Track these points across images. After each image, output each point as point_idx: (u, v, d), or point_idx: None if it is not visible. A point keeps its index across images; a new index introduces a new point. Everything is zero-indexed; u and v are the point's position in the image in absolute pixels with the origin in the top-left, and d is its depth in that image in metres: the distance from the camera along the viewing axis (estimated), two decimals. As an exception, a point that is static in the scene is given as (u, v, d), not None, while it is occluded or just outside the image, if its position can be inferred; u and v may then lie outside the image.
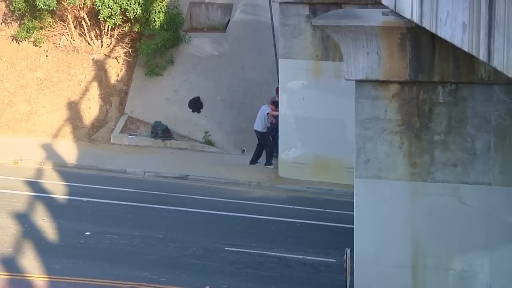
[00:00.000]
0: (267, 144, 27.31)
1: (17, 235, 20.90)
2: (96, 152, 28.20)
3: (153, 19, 29.97)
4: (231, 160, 27.65)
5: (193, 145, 28.80)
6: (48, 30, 31.20)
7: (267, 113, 26.98)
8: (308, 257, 20.11)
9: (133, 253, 20.16)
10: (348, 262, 15.46)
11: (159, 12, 30.06)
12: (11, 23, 31.69)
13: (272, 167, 26.90)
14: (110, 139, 29.27)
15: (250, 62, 30.14)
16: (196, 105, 29.59)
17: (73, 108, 30.02)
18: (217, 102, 29.33)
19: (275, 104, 26.92)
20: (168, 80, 30.34)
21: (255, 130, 27.30)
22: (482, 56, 11.03)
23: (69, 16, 30.58)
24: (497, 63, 10.54)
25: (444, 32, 12.50)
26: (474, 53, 11.36)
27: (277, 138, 26.72)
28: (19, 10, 30.90)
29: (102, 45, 31.00)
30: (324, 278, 19.00)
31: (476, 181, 15.07)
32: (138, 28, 30.36)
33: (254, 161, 27.31)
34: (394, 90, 15.32)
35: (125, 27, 30.46)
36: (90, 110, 30.03)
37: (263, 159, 27.36)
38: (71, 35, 31.03)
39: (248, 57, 30.27)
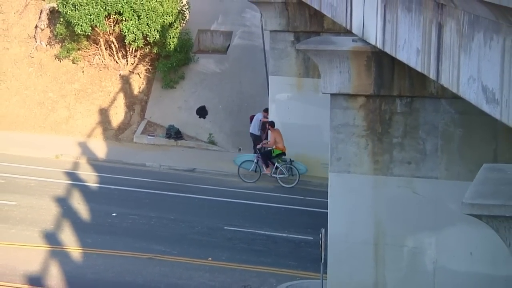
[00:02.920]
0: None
1: (57, 215, 20.88)
2: (121, 149, 28.18)
3: (169, 43, 29.95)
4: (230, 156, 27.62)
5: (199, 144, 28.76)
6: (84, 51, 31.16)
7: (260, 120, 26.89)
8: (291, 235, 20.09)
9: (150, 230, 20.14)
10: (323, 239, 15.46)
11: (173, 37, 30.04)
12: (54, 45, 31.65)
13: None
14: (133, 139, 29.24)
15: (246, 78, 30.13)
16: (202, 112, 29.57)
17: (103, 114, 29.98)
18: (219, 110, 29.32)
19: (267, 111, 26.86)
20: (180, 92, 30.32)
21: (250, 133, 27.24)
22: (432, 75, 11.02)
23: (101, 40, 30.55)
24: (444, 81, 10.54)
25: (402, 56, 12.50)
26: (425, 73, 11.36)
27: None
28: (61, 34, 30.87)
29: (127, 64, 30.96)
30: (303, 252, 18.99)
31: (426, 176, 15.07)
32: (156, 50, 30.35)
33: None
34: (361, 102, 15.31)
35: (146, 49, 30.45)
36: (117, 115, 29.99)
37: None
38: (102, 55, 30.99)
39: (244, 74, 30.26)
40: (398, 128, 15.15)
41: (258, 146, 25.97)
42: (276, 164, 25.36)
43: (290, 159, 25.39)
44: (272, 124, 25.49)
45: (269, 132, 25.82)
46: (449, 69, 10.29)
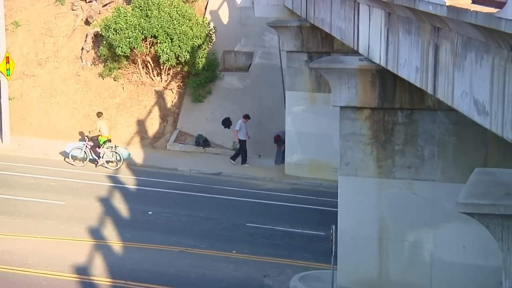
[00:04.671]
0: (242, 149, 27.18)
1: (101, 213, 20.96)
2: (156, 156, 28.25)
3: (198, 62, 30.03)
4: (251, 162, 27.62)
5: (225, 151, 28.75)
6: (124, 70, 31.30)
7: (237, 130, 27.03)
8: (305, 231, 20.06)
9: (181, 227, 20.17)
10: (334, 235, 15.43)
11: (202, 57, 30.12)
12: (98, 64, 31.82)
13: (247, 165, 26.83)
14: (166, 146, 29.30)
15: (265, 93, 30.15)
16: (227, 123, 29.57)
17: (141, 125, 30.09)
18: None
19: (245, 116, 27.24)
20: (208, 105, 30.38)
21: (239, 139, 27.30)
22: (429, 90, 11.01)
23: (139, 60, 30.68)
24: (440, 95, 10.52)
25: (403, 73, 12.49)
26: (423, 88, 11.34)
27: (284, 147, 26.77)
28: (104, 55, 31.04)
29: (161, 80, 31.07)
30: (316, 246, 18.96)
31: (424, 178, 15.04)
32: (187, 69, 30.43)
33: (244, 161, 27.13)
34: (367, 114, 15.30)
35: (178, 68, 30.54)
36: (153, 126, 30.09)
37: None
38: (140, 73, 31.12)
39: (264, 89, 30.27)
40: (399, 136, 15.12)
41: (86, 134, 27.15)
42: (102, 149, 26.33)
43: (115, 145, 26.66)
44: (98, 114, 27.18)
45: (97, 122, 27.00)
46: (445, 85, 10.27)
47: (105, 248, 18.26)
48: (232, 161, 27.12)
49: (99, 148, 26.37)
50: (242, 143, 27.23)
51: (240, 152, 27.21)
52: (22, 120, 30.56)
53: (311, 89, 25.58)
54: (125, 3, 31.94)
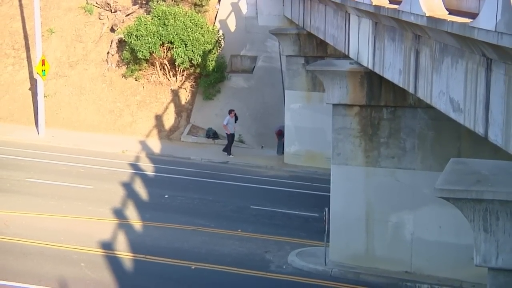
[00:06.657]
0: (230, 141, 27.02)
1: (124, 196, 20.98)
2: (172, 146, 28.26)
3: (208, 65, 30.00)
4: (255, 152, 27.63)
5: (232, 142, 28.75)
6: (144, 71, 31.28)
7: (225, 124, 26.74)
8: (301, 213, 20.07)
9: (193, 208, 20.19)
10: (326, 216, 15.45)
11: (212, 60, 30.10)
12: (121, 66, 31.80)
13: (232, 156, 26.53)
14: (181, 138, 29.30)
15: (267, 92, 30.12)
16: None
17: (158, 119, 30.10)
18: (246, 116, 29.31)
19: (231, 112, 26.89)
20: (217, 102, 30.36)
21: (228, 134, 27.17)
22: (411, 90, 11.00)
23: (157, 62, 30.66)
24: (421, 94, 10.51)
25: (388, 75, 12.48)
26: (406, 88, 11.33)
27: (282, 139, 26.73)
28: (127, 58, 31.02)
29: (176, 81, 31.05)
30: (311, 226, 18.96)
31: (406, 167, 15.04)
32: (199, 70, 30.40)
33: (226, 150, 26.94)
34: (356, 110, 15.29)
35: (191, 69, 30.51)
36: (169, 120, 30.09)
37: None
38: (157, 74, 31.10)
39: (266, 89, 30.25)
40: (384, 130, 15.12)
41: None
42: None
43: None
44: None
45: None
46: (424, 85, 10.26)
47: (127, 226, 18.29)
48: (228, 155, 26.79)
49: None
50: (230, 136, 27.08)
51: (229, 145, 27.03)
52: (56, 115, 30.59)
53: (307, 89, 25.56)
54: (145, 13, 31.91)
